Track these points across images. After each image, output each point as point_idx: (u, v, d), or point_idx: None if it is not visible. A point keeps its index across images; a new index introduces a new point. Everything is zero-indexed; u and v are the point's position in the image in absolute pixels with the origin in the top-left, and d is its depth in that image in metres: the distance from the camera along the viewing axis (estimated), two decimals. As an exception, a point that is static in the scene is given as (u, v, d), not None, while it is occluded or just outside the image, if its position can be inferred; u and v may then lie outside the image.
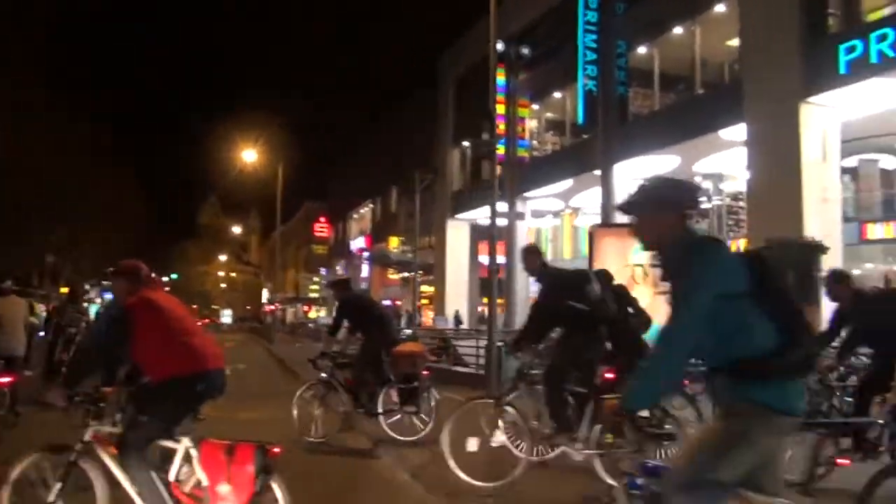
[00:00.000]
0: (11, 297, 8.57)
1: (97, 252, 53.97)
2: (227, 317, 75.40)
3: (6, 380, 7.44)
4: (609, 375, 5.44)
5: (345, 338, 8.18)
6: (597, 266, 7.69)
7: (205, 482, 3.59)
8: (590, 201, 21.80)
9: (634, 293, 6.34)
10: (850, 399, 5.47)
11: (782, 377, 2.48)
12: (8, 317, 8.05)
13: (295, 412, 7.24)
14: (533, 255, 6.05)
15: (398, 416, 7.09)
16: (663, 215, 2.61)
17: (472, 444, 3.39)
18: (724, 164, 16.94)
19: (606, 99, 18.98)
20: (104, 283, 72.47)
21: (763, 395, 2.46)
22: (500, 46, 24.82)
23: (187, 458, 3.67)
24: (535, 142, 25.20)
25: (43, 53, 31.70)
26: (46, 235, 42.21)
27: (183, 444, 3.67)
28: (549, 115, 24.57)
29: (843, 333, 5.39)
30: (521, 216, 15.83)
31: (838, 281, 5.41)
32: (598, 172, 18.77)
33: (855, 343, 5.37)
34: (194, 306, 70.19)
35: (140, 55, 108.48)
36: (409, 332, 19.42)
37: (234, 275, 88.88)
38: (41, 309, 19.55)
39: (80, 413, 3.83)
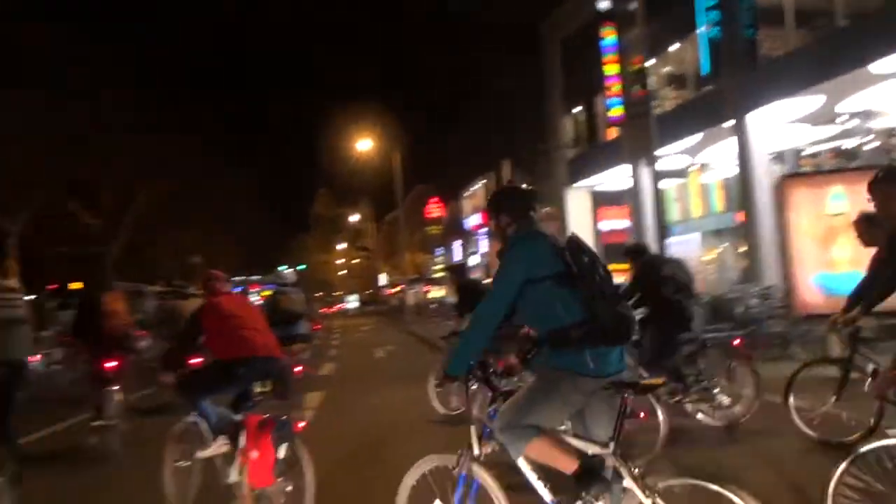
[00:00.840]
0: (192, 300, 9.63)
1: (229, 251, 57.31)
2: (352, 302, 77.98)
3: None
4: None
5: None
6: (793, 220, 7.33)
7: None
8: (719, 155, 20.85)
9: (837, 245, 6.03)
10: None
11: (582, 344, 3.00)
12: None
13: (431, 386, 7.73)
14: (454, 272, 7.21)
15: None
16: (503, 219, 3.35)
17: None
18: (873, 99, 15.66)
19: (732, 44, 18.00)
20: (234, 279, 76.83)
21: (566, 360, 3.04)
22: (606, 4, 24.19)
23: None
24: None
25: (161, 61, 33.61)
26: (180, 236, 45.26)
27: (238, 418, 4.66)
28: (667, 69, 23.57)
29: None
30: (658, 176, 15.27)
31: (873, 223, 4.86)
32: (729, 123, 17.88)
33: (889, 291, 4.58)
34: (319, 294, 73.31)
35: (241, 56, 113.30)
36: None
37: (355, 261, 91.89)
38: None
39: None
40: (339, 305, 76.06)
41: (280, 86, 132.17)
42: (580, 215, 28.77)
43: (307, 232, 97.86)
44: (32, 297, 23.00)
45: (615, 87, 22.63)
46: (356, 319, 47.93)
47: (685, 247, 23.94)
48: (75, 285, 30.12)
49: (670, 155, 22.42)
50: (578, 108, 29.12)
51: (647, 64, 23.55)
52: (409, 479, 3.46)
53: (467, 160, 45.95)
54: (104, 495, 5.80)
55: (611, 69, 22.93)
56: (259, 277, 66.67)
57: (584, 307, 3.01)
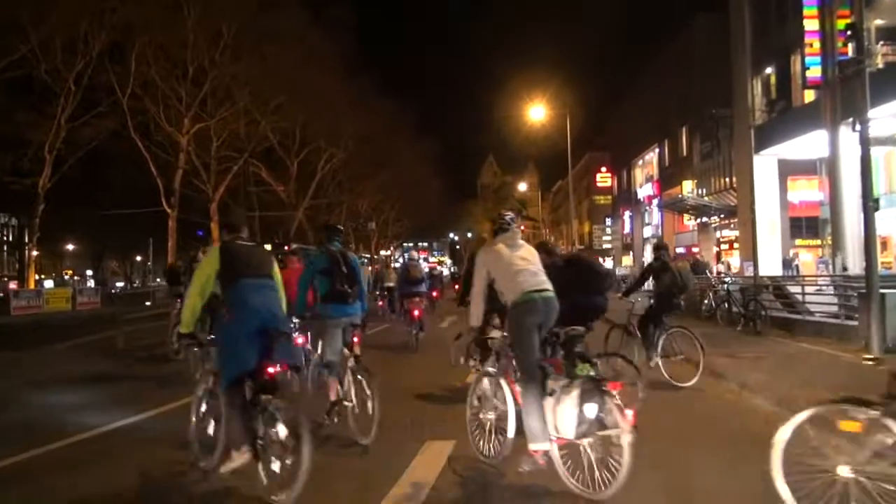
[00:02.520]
0: (365, 266, 12.41)
1: (400, 218, 59.58)
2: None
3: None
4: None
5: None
6: None
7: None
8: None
9: None
10: None
11: (325, 301, 6.15)
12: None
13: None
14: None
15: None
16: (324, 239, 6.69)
17: None
18: None
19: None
20: (404, 244, 79.69)
21: (322, 310, 6.17)
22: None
23: None
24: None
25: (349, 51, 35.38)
26: (357, 202, 47.61)
27: None
28: (878, 22, 20.92)
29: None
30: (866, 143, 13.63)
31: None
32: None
33: None
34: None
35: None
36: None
37: (522, 229, 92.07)
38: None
39: None
40: None
41: (450, 51, 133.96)
42: (766, 185, 26.55)
43: (473, 199, 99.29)
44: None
45: (815, 44, 20.45)
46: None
47: (889, 222, 21.44)
48: (267, 246, 32.82)
49: (879, 119, 20.00)
50: (768, 70, 26.71)
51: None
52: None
53: (641, 127, 44.09)
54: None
55: (811, 24, 20.73)
56: (425, 244, 68.82)
57: (332, 283, 6.14)
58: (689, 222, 37.64)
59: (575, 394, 4.25)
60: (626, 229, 50.94)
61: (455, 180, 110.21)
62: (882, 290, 9.65)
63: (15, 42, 24.56)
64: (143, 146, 29.06)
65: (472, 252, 7.98)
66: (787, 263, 24.47)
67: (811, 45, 20.70)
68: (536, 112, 35.07)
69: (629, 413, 4.00)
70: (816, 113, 20.74)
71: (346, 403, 5.80)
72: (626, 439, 3.96)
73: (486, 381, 5.06)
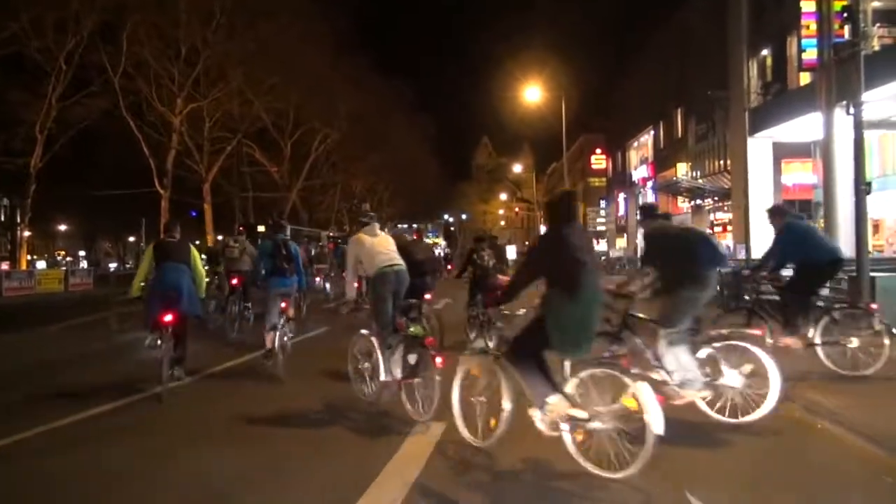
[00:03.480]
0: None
1: (394, 199, 59.40)
2: (510, 253, 78.42)
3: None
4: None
5: None
6: None
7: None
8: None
9: None
10: None
11: (270, 276, 8.18)
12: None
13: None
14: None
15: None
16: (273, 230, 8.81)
17: None
18: None
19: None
20: (401, 225, 79.45)
21: (269, 283, 8.22)
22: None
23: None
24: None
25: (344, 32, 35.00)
26: (350, 182, 47.40)
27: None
28: (875, 4, 20.83)
29: None
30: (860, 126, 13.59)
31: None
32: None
33: None
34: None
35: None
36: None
37: (516, 210, 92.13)
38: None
39: None
40: None
41: (445, 28, 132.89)
42: (761, 168, 26.60)
43: (468, 181, 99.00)
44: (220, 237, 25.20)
45: (812, 26, 20.32)
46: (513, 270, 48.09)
47: (882, 206, 21.52)
48: (261, 228, 32.74)
49: (873, 102, 19.97)
50: (764, 52, 26.62)
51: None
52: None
53: (637, 109, 43.94)
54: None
55: (808, 6, 20.62)
56: (418, 226, 69.37)
57: (276, 263, 8.05)
58: (684, 205, 37.65)
59: (401, 347, 5.91)
60: (621, 211, 50.98)
61: (449, 161, 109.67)
62: (872, 274, 9.70)
63: (5, 19, 24.26)
64: (136, 126, 28.85)
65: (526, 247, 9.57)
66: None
67: (808, 27, 20.60)
68: (532, 94, 34.86)
69: (438, 360, 5.49)
70: (811, 95, 20.64)
71: (276, 352, 7.96)
72: (436, 379, 5.48)
73: (362, 339, 6.45)
